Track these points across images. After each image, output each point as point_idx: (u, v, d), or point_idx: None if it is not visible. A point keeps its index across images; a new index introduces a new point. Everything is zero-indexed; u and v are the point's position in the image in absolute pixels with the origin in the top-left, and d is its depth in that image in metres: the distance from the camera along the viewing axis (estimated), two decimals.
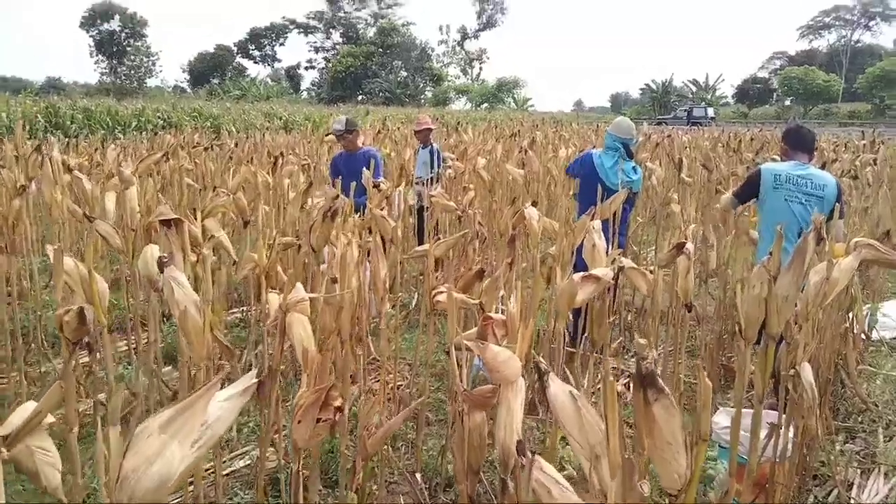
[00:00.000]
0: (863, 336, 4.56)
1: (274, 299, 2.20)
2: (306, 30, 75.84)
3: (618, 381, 4.47)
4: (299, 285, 2.01)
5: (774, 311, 1.81)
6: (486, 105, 61.86)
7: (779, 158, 4.70)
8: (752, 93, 74.06)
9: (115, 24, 65.33)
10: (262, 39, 76.09)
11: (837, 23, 73.67)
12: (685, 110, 51.74)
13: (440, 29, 76.22)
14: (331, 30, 75.10)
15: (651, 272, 3.11)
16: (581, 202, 4.85)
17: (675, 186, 6.46)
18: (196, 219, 3.23)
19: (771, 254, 1.85)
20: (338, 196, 5.04)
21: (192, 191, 5.51)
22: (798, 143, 4.14)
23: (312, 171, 6.69)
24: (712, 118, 48.29)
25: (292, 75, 75.68)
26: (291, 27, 76.24)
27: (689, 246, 2.97)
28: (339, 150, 6.16)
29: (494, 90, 64.93)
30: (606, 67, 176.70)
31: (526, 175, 5.99)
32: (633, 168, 4.88)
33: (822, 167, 5.16)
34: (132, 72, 65.87)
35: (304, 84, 76.76)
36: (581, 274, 2.17)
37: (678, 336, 3.73)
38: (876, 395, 4.17)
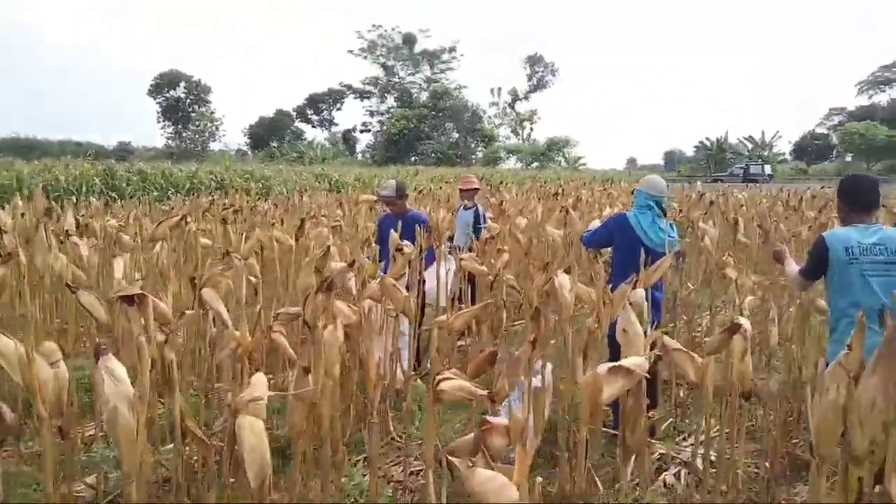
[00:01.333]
0: None
1: (257, 381, 1.87)
2: (362, 94, 78.01)
3: (667, 469, 3.95)
4: (259, 377, 1.66)
5: (857, 423, 1.38)
6: (535, 164, 61.92)
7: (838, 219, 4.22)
8: (810, 149, 72.27)
9: (180, 91, 68.60)
10: (319, 104, 78.63)
11: None
12: (741, 167, 50.61)
13: (491, 91, 76.93)
14: (385, 94, 77.05)
15: (703, 344, 2.68)
16: (617, 269, 4.46)
17: (731, 248, 5.98)
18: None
19: (850, 347, 1.42)
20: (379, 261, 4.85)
21: (210, 255, 5.31)
22: (857, 200, 3.46)
23: (342, 232, 6.45)
24: (770, 175, 47.07)
25: (348, 138, 77.58)
26: (348, 92, 78.58)
27: (745, 324, 2.53)
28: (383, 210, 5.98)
29: (545, 149, 65.04)
30: (660, 125, 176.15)
31: (566, 237, 5.62)
32: (670, 225, 4.57)
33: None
34: (196, 136, 68.72)
35: (360, 146, 78.58)
36: (608, 365, 1.77)
37: (734, 420, 3.24)
38: None
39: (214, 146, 68.64)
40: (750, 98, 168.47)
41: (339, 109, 79.84)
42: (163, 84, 68.08)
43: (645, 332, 3.10)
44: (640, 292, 3.47)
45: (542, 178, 30.33)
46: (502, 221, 6.73)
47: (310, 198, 11.12)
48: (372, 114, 77.80)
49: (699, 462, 3.63)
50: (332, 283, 2.43)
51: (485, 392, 2.04)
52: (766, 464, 3.61)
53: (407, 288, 4.45)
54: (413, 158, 65.28)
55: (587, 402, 1.74)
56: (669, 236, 4.48)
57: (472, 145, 69.94)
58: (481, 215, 6.57)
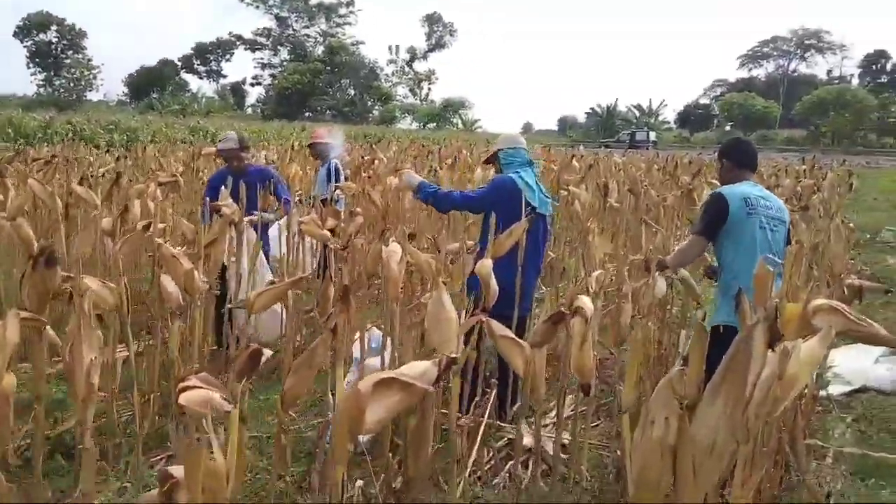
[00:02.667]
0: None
1: None
2: (253, 46, 74.44)
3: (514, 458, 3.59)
4: None
5: (689, 471, 0.96)
6: (433, 125, 61.35)
7: (718, 182, 3.99)
8: (693, 118, 75.57)
9: (51, 35, 62.91)
10: (207, 55, 74.36)
11: (775, 53, 76.15)
12: (628, 134, 52.14)
13: (389, 49, 75.18)
14: (279, 47, 73.85)
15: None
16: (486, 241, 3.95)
17: (600, 213, 5.70)
18: None
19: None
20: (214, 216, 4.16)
21: None
22: (745, 159, 3.50)
23: (180, 188, 5.68)
24: (654, 142, 48.64)
25: (237, 91, 73.98)
26: (238, 43, 74.72)
27: (586, 305, 2.11)
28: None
29: (440, 110, 64.51)
30: (555, 91, 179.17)
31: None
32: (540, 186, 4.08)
33: None
34: (72, 84, 63.36)
35: (251, 101, 75.20)
36: (377, 377, 1.27)
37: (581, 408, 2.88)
38: (827, 482, 3.39)
39: (93, 96, 63.76)
40: (640, 68, 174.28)
41: (228, 61, 75.99)
42: (31, 26, 62.11)
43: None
44: (487, 263, 3.02)
45: (435, 139, 29.72)
46: (362, 182, 6.13)
47: (158, 150, 9.99)
48: (263, 67, 74.58)
49: (550, 447, 3.29)
50: (52, 257, 1.81)
51: (230, 407, 1.51)
52: (618, 451, 3.30)
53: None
54: (307, 114, 63.21)
55: (341, 430, 1.23)
56: (549, 196, 4.06)
57: (369, 103, 68.43)
58: (333, 172, 5.96)
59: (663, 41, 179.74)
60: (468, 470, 3.19)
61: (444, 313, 1.90)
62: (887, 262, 9.29)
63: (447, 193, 4.14)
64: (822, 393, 4.27)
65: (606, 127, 66.30)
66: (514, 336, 2.05)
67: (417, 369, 1.35)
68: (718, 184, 3.77)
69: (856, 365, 4.63)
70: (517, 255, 3.44)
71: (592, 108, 72.93)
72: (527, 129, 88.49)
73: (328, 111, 63.86)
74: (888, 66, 71.85)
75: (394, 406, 1.25)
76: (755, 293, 2.01)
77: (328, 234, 4.04)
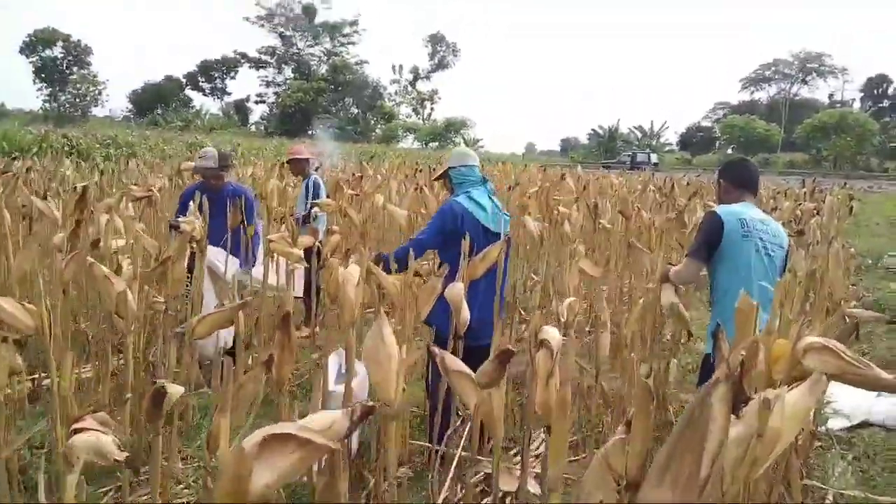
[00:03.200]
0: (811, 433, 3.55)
1: None
2: (258, 64, 74.82)
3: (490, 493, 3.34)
4: None
5: None
6: (435, 144, 61.41)
7: (714, 204, 3.80)
8: (695, 140, 75.62)
9: (57, 51, 63.33)
10: (212, 72, 74.73)
11: (777, 76, 76.35)
12: (629, 155, 51.99)
13: (393, 68, 75.64)
14: (282, 65, 74.25)
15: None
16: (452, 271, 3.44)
17: (591, 235, 5.49)
18: None
19: None
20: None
21: None
22: (744, 180, 3.35)
23: (155, 205, 5.47)
24: (655, 164, 48.50)
25: (241, 108, 74.25)
26: (243, 61, 75.12)
27: (554, 336, 1.89)
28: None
29: (442, 129, 64.61)
30: (558, 112, 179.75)
31: (412, 217, 4.91)
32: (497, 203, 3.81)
33: None
34: (77, 100, 63.62)
35: (254, 118, 75.38)
36: (270, 431, 1.04)
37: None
38: None
39: (99, 112, 63.95)
40: (643, 90, 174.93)
41: (232, 78, 76.26)
42: (37, 42, 62.52)
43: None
44: (458, 287, 2.81)
45: (435, 158, 29.57)
46: (340, 199, 5.89)
47: (145, 163, 9.74)
48: (268, 84, 74.88)
49: (532, 485, 3.05)
50: None
51: (121, 455, 1.29)
52: None
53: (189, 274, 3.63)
54: (310, 133, 63.30)
55: (222, 498, 1.01)
56: (504, 214, 3.76)
57: (372, 122, 68.55)
58: (312, 189, 5.76)
59: (666, 63, 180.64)
60: None
61: (384, 349, 1.68)
62: (890, 288, 9.04)
63: (399, 249, 3.81)
64: (821, 429, 4.04)
65: (608, 148, 66.28)
66: (469, 372, 1.82)
67: (324, 421, 1.13)
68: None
69: (856, 399, 4.38)
70: (479, 281, 3.24)
71: (594, 130, 73.07)
72: (529, 149, 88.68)
73: (331, 129, 63.91)
74: (889, 91, 72.03)
75: (289, 468, 1.03)
76: (736, 330, 1.79)
77: (298, 252, 3.82)
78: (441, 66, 74.21)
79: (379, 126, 67.70)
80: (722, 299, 3.12)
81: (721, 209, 3.18)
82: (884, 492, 3.59)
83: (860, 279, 9.15)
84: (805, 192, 10.66)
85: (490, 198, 3.67)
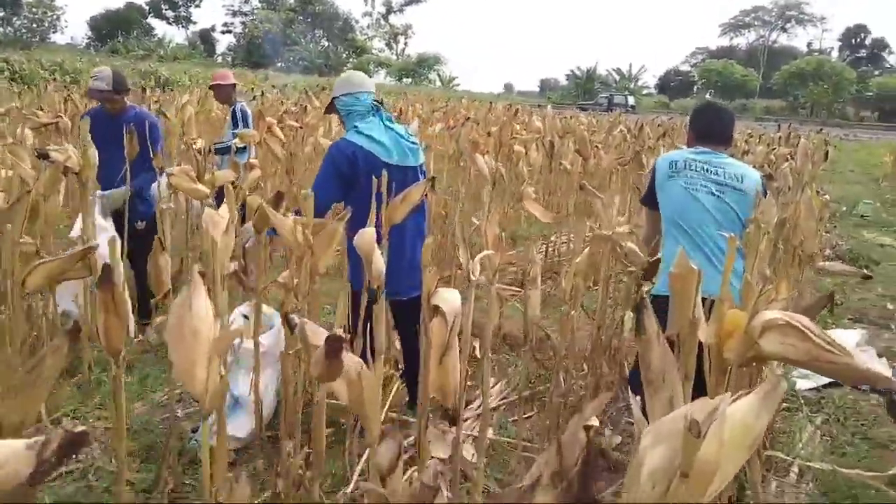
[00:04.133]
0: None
1: None
2: None
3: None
4: None
5: None
6: (409, 80, 59.85)
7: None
8: (673, 84, 74.89)
9: None
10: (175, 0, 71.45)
11: (756, 22, 75.53)
12: (606, 97, 51.07)
13: (365, 0, 73.05)
14: None
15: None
16: (358, 218, 2.79)
17: (548, 176, 5.04)
18: None
19: None
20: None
21: None
22: (708, 130, 3.00)
23: (63, 132, 4.87)
24: (632, 106, 47.79)
25: (207, 38, 71.39)
26: None
27: (449, 300, 1.46)
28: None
29: (414, 65, 62.87)
30: (537, 52, 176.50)
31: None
32: (407, 129, 3.29)
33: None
34: (35, 25, 60.49)
35: (221, 48, 72.59)
36: None
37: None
38: None
39: (59, 39, 60.92)
40: (622, 32, 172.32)
41: (198, 6, 73.22)
42: None
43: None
44: (369, 233, 2.34)
45: (408, 94, 28.52)
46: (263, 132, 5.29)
47: (66, 88, 8.86)
48: (234, 14, 71.83)
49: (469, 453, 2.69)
50: None
51: None
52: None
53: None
54: (279, 65, 61.24)
55: None
56: (412, 142, 3.19)
57: (344, 55, 66.42)
58: (239, 118, 5.20)
59: (647, 6, 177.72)
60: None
61: (190, 323, 1.22)
62: (863, 237, 8.79)
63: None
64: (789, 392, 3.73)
65: (586, 90, 65.25)
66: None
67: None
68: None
69: None
70: (402, 227, 2.81)
71: (572, 71, 71.84)
72: (508, 89, 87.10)
73: (300, 62, 61.90)
74: (867, 41, 71.58)
75: None
76: (674, 302, 1.37)
77: (203, 189, 3.30)
78: None
79: (350, 60, 65.65)
80: (663, 249, 2.98)
81: (661, 156, 3.05)
82: (853, 462, 3.29)
83: (834, 226, 8.92)
84: (780, 138, 10.28)
85: (388, 127, 3.11)
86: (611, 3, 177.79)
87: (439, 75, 62.71)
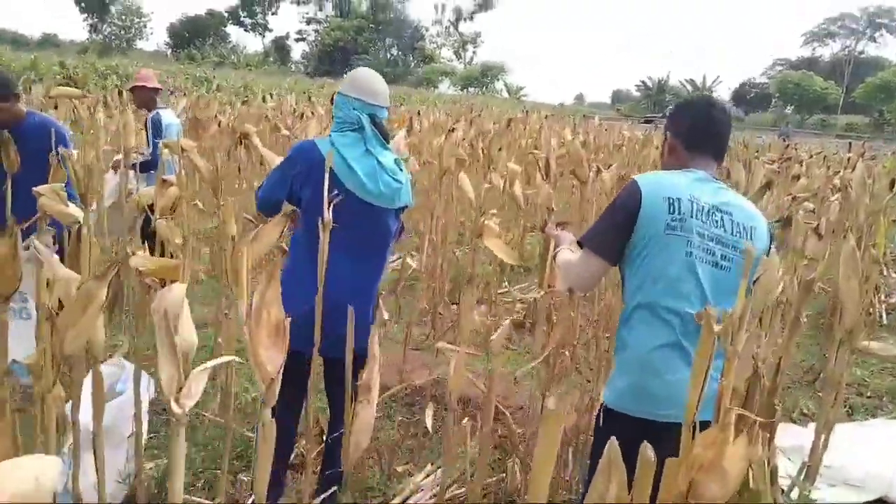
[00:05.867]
0: None
1: None
2: (299, 0, 73.32)
3: None
4: None
5: None
6: (474, 90, 59.45)
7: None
8: (749, 97, 71.90)
9: None
10: (254, 7, 73.43)
11: (842, 31, 71.49)
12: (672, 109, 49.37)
13: (435, 8, 73.27)
14: (325, 1, 72.59)
15: None
16: (301, 248, 2.43)
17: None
18: None
19: None
20: None
21: None
22: (705, 137, 2.06)
23: None
24: None
25: (281, 46, 73.13)
26: None
27: None
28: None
29: (478, 74, 62.39)
30: (611, 62, 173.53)
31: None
32: (397, 162, 2.55)
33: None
34: (122, 31, 63.39)
35: (296, 56, 74.24)
36: None
37: None
38: None
39: (144, 45, 63.69)
40: (699, 42, 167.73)
41: (274, 14, 74.97)
42: None
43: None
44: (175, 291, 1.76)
45: (463, 103, 27.98)
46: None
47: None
48: (308, 21, 73.37)
49: None
50: None
51: None
52: None
53: None
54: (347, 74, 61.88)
55: None
56: (396, 180, 2.46)
57: (412, 64, 66.70)
58: (161, 126, 4.73)
59: (724, 15, 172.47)
60: None
61: None
62: None
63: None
64: None
65: (656, 101, 63.50)
66: None
67: None
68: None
69: (873, 465, 3.13)
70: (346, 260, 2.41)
71: (643, 82, 70.08)
72: (579, 100, 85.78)
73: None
74: None
75: None
76: None
77: (74, 213, 2.75)
78: (485, 6, 71.41)
79: (419, 68, 65.81)
80: (626, 335, 1.99)
81: (645, 179, 1.99)
82: None
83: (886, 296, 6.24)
84: (848, 159, 9.14)
85: (370, 151, 2.41)
86: (688, 12, 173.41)
87: (506, 84, 62.08)
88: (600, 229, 2.00)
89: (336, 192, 2.20)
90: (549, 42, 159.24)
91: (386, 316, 2.56)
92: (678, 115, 2.15)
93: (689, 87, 66.29)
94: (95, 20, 63.86)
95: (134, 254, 2.04)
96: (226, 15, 71.90)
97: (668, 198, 1.89)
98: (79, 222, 2.60)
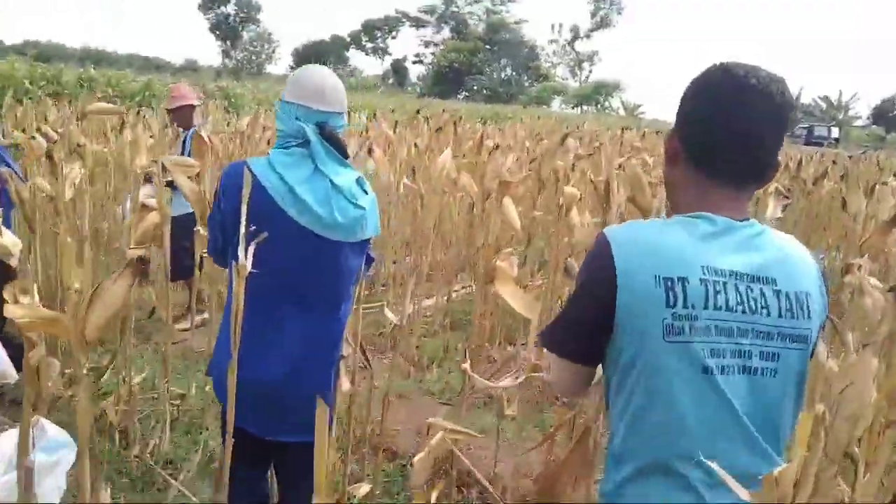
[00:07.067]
0: None
1: None
2: (418, 23, 75.11)
3: None
4: None
5: None
6: (588, 108, 58.21)
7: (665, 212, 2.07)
8: (891, 114, 65.99)
9: (230, 8, 67.08)
10: (375, 31, 76.01)
11: None
12: (804, 128, 45.64)
13: (552, 28, 72.68)
14: (442, 24, 73.90)
15: None
16: (249, 303, 1.74)
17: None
18: None
19: None
20: None
21: None
22: (723, 147, 1.22)
23: None
24: (836, 139, 42.36)
25: (398, 69, 75.14)
26: (404, 20, 75.73)
27: None
28: None
29: (591, 92, 60.92)
30: None
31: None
32: (359, 182, 2.04)
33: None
34: (254, 57, 67.58)
35: (414, 78, 76.00)
36: None
37: None
38: None
39: (273, 69, 67.52)
40: (833, 55, 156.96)
41: (394, 38, 77.21)
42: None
43: None
44: None
45: (575, 123, 27.09)
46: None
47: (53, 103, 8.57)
48: (426, 44, 75.02)
49: None
50: None
51: None
52: None
53: None
54: (462, 94, 62.65)
55: None
56: (357, 205, 1.97)
57: (527, 84, 66.36)
58: (189, 146, 4.49)
59: (863, 26, 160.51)
60: None
61: None
62: None
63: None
64: None
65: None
66: None
67: None
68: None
69: None
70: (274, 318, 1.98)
71: None
72: None
73: (484, 90, 62.83)
74: None
75: None
76: None
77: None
78: (603, 24, 69.97)
79: (533, 87, 65.38)
80: (612, 462, 1.29)
81: (620, 237, 1.23)
82: None
83: None
84: None
85: (320, 169, 1.92)
86: (824, 16, 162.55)
87: (622, 102, 60.35)
88: (562, 323, 1.34)
89: (279, 218, 1.84)
90: (670, 59, 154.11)
91: (346, 387, 2.13)
92: (684, 103, 1.29)
93: (823, 104, 61.83)
94: (228, 46, 68.30)
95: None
96: (348, 39, 74.80)
97: (666, 278, 1.15)
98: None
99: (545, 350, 1.40)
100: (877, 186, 5.52)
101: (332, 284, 2.01)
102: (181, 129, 4.83)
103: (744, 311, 1.17)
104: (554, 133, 10.64)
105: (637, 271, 1.17)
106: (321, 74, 2.00)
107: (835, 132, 44.81)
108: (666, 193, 1.43)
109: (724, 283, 1.17)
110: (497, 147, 4.24)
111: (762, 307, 1.18)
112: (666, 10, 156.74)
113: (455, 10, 73.07)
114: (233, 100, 17.69)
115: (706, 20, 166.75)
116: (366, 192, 2.04)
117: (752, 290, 1.18)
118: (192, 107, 4.90)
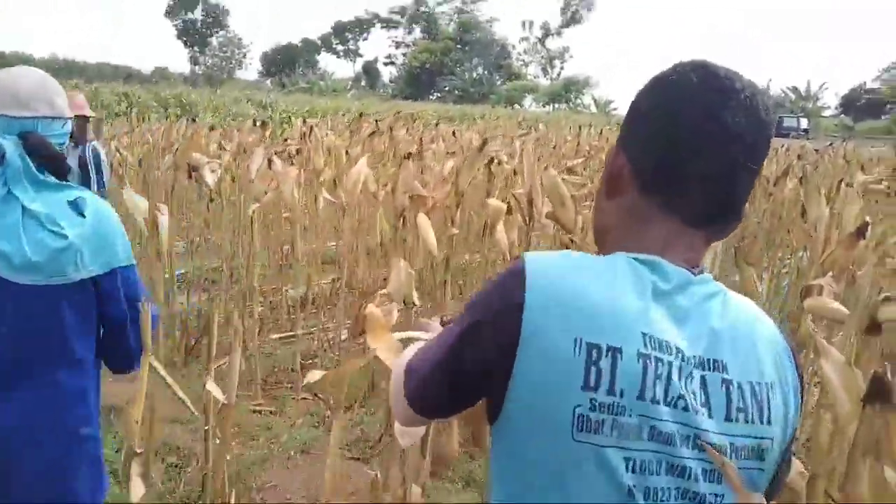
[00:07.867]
0: None
1: None
2: (389, 24, 74.63)
3: None
4: None
5: None
6: (560, 105, 58.02)
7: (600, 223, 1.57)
8: (859, 104, 66.63)
9: (198, 14, 66.06)
10: (346, 33, 75.38)
11: None
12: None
13: (523, 25, 72.29)
14: (413, 24, 73.47)
15: None
16: None
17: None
18: None
19: None
20: None
21: None
22: (682, 172, 0.86)
23: None
24: (805, 130, 42.41)
25: (369, 71, 74.58)
26: (375, 21, 75.20)
27: None
28: None
29: (561, 89, 60.70)
30: None
31: None
32: (76, 204, 1.58)
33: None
34: (223, 63, 66.55)
35: (385, 80, 75.49)
36: None
37: None
38: None
39: (242, 74, 66.56)
40: (802, 44, 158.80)
41: (365, 40, 76.66)
42: (180, 6, 65.40)
43: None
44: None
45: (546, 120, 26.73)
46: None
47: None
48: (398, 45, 74.54)
49: None
50: None
51: None
52: None
53: None
54: (435, 95, 62.30)
55: None
56: (58, 234, 1.51)
57: (498, 83, 66.09)
58: (92, 161, 4.05)
59: (832, 14, 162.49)
60: None
61: None
62: None
63: None
64: None
65: None
66: None
67: None
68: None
69: None
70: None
71: None
72: None
73: (455, 91, 62.50)
74: None
75: None
76: None
77: None
78: (573, 20, 69.94)
79: (504, 86, 65.14)
80: None
81: (541, 264, 0.86)
82: None
83: None
84: None
85: (22, 200, 1.51)
86: (792, 13, 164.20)
87: (594, 98, 60.28)
88: (436, 375, 0.93)
89: None
90: (641, 54, 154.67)
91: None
92: (638, 109, 0.94)
93: (792, 95, 62.23)
94: (196, 52, 67.20)
95: None
96: (318, 43, 74.04)
97: (591, 345, 0.80)
98: None
99: (405, 401, 0.98)
100: (842, 187, 5.10)
101: (41, 347, 1.57)
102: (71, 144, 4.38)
103: (685, 409, 0.81)
104: (507, 135, 10.25)
105: (552, 325, 0.80)
106: (14, 75, 1.60)
107: (804, 123, 45.03)
108: (593, 231, 1.01)
109: (670, 364, 0.80)
110: (409, 156, 3.79)
111: (701, 404, 0.82)
112: (636, 3, 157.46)
113: (426, 10, 72.64)
114: (187, 107, 17.14)
115: (678, 12, 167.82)
116: (81, 214, 1.57)
117: (691, 379, 0.82)
118: (86, 118, 4.40)
